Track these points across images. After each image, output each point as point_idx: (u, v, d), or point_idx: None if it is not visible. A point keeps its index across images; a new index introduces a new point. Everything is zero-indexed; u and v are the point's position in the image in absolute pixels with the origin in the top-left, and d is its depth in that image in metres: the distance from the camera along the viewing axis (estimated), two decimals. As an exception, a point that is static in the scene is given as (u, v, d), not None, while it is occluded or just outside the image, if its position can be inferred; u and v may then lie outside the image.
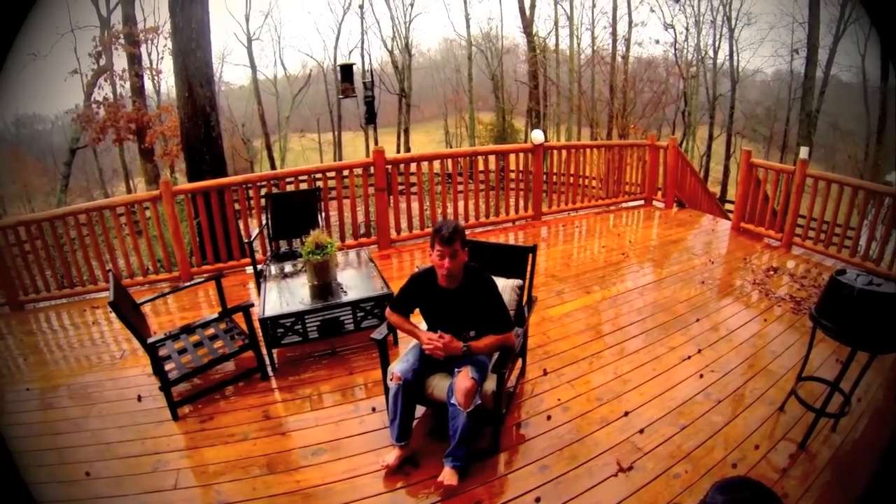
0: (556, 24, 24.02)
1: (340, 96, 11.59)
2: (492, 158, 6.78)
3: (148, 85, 19.81)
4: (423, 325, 3.14)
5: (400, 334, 3.90)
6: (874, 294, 2.43)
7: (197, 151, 7.23)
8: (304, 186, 5.51)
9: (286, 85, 27.48)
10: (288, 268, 4.41)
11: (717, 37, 22.48)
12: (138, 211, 5.35)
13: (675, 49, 22.66)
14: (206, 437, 3.04)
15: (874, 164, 18.78)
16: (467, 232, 2.85)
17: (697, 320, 4.27)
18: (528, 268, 3.23)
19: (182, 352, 3.52)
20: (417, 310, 2.92)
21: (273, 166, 25.95)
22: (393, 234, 6.16)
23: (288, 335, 3.61)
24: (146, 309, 4.16)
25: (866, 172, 18.56)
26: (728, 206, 11.08)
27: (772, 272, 5.21)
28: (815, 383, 3.14)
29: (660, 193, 7.91)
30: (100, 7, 19.48)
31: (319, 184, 5.46)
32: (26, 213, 19.09)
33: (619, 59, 23.06)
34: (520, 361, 3.41)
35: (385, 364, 2.86)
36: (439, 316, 2.82)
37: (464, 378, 2.53)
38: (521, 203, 7.00)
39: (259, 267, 4.64)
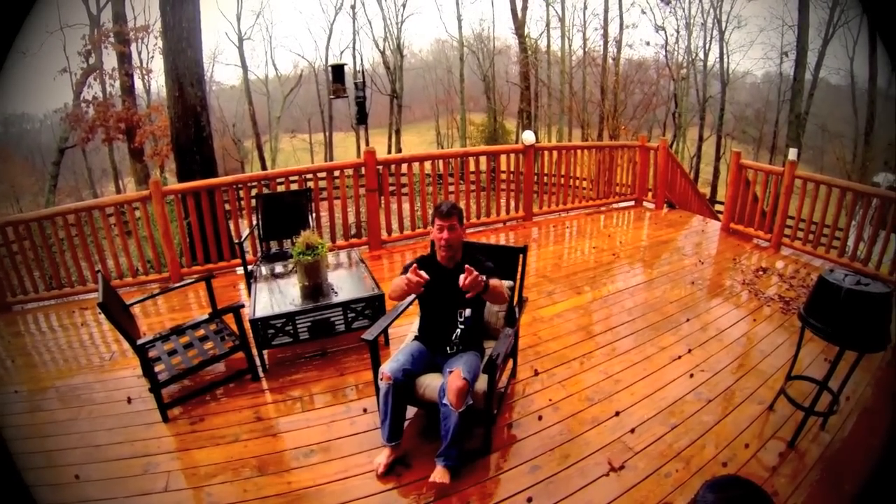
0: (547, 25, 24.17)
1: (332, 97, 11.57)
2: (483, 159, 6.78)
3: (138, 84, 19.67)
4: (416, 324, 3.15)
5: (391, 336, 3.91)
6: (862, 294, 2.45)
7: (187, 151, 7.18)
8: (294, 187, 5.48)
9: (277, 85, 27.39)
10: (278, 268, 4.40)
11: (708, 39, 22.72)
12: (128, 211, 5.30)
13: (666, 51, 22.83)
14: (196, 438, 3.01)
15: (862, 165, 18.98)
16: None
17: (687, 320, 4.30)
18: (519, 268, 3.23)
19: (172, 353, 3.49)
20: (410, 309, 2.92)
21: (264, 167, 25.87)
22: (384, 235, 6.14)
23: (278, 336, 3.59)
24: (136, 310, 4.13)
25: (854, 174, 18.76)
26: (718, 207, 11.17)
27: (761, 272, 5.25)
28: (804, 382, 3.16)
29: (650, 194, 7.96)
30: (89, 5, 19.32)
31: (310, 184, 5.45)
32: (14, 213, 18.88)
33: (610, 60, 23.17)
34: (511, 362, 3.41)
35: (376, 364, 2.85)
36: (437, 294, 2.82)
37: (455, 378, 2.53)
38: (512, 204, 7.01)
39: (249, 268, 4.62)
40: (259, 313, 3.56)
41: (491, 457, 2.81)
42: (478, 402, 2.66)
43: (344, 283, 4.05)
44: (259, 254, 5.05)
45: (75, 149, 19.92)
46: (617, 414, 3.14)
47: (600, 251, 5.99)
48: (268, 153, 26.73)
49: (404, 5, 25.53)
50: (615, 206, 7.78)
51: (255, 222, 4.93)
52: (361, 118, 10.13)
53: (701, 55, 22.82)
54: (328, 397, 3.36)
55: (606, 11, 22.92)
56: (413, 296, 2.91)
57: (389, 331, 3.75)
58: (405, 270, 2.84)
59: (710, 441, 2.92)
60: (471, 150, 6.91)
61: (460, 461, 2.63)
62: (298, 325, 3.61)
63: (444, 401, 2.53)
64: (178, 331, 3.49)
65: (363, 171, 5.77)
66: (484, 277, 2.50)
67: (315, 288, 3.88)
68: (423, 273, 2.54)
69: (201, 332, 3.68)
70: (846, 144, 20.45)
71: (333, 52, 26.42)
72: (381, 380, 2.68)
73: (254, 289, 3.98)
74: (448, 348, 2.87)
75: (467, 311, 2.85)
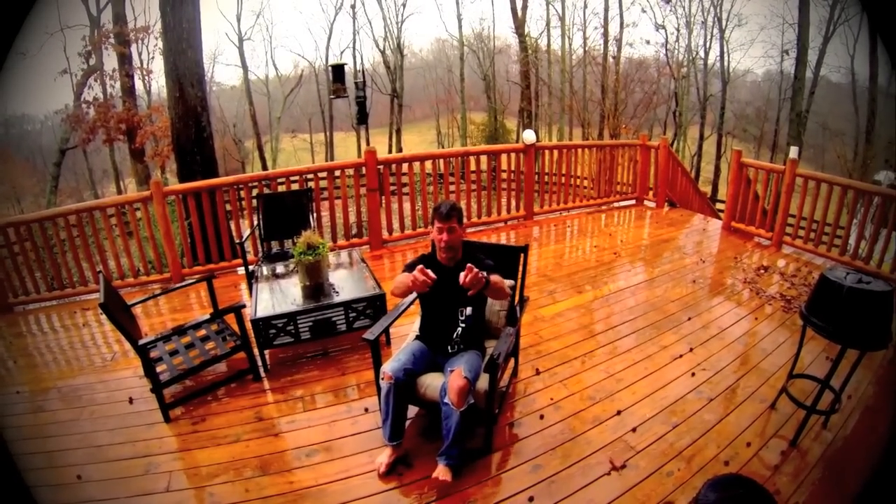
0: (547, 24, 24.15)
1: (332, 96, 11.56)
2: (483, 158, 6.78)
3: (138, 85, 19.65)
4: (417, 323, 3.15)
5: (393, 335, 3.91)
6: (863, 292, 2.45)
7: (188, 152, 7.18)
8: (295, 187, 5.48)
9: (278, 85, 27.40)
10: (280, 268, 4.40)
11: (708, 37, 22.68)
12: (129, 212, 5.30)
13: (667, 49, 22.82)
14: (198, 438, 3.02)
15: (863, 163, 18.96)
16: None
17: (689, 319, 4.29)
18: (520, 267, 3.23)
19: (173, 353, 3.49)
20: (411, 308, 2.92)
21: (264, 167, 25.87)
22: (385, 235, 6.14)
23: (280, 336, 3.59)
24: (137, 310, 4.14)
25: (855, 172, 18.74)
26: (719, 206, 11.17)
27: (762, 271, 5.24)
28: (806, 381, 3.16)
29: (651, 193, 7.95)
30: (90, 6, 19.34)
31: (311, 184, 5.45)
32: (15, 214, 18.90)
33: (610, 59, 23.16)
34: (512, 361, 3.41)
35: (377, 364, 2.86)
36: (438, 293, 2.81)
37: (457, 377, 2.53)
38: (513, 203, 7.01)
39: (251, 268, 4.62)
40: (260, 313, 3.56)
41: (492, 456, 2.80)
42: (479, 401, 2.66)
43: (345, 283, 4.05)
44: (260, 254, 5.05)
45: (76, 150, 19.92)
46: (618, 413, 3.13)
47: (601, 250, 5.98)
48: (268, 153, 26.74)
49: (404, 5, 25.57)
50: (616, 204, 7.77)
51: (255, 222, 4.94)
52: (362, 118, 10.12)
53: (701, 53, 22.82)
54: (329, 397, 3.37)
55: (606, 10, 22.96)
56: (414, 294, 2.91)
57: (391, 330, 3.74)
58: (407, 269, 2.84)
59: (711, 440, 2.91)
60: (471, 150, 6.92)
61: (462, 460, 2.63)
62: (300, 325, 3.62)
63: (446, 400, 2.53)
64: (180, 331, 3.49)
65: (364, 170, 5.76)
66: (484, 274, 2.50)
67: (316, 288, 3.88)
68: (430, 272, 2.54)
69: (203, 332, 3.68)
70: (847, 142, 20.43)
71: (333, 52, 26.48)
72: (383, 379, 2.68)
73: (255, 289, 3.98)
74: (449, 347, 2.86)
75: (468, 310, 2.85)
